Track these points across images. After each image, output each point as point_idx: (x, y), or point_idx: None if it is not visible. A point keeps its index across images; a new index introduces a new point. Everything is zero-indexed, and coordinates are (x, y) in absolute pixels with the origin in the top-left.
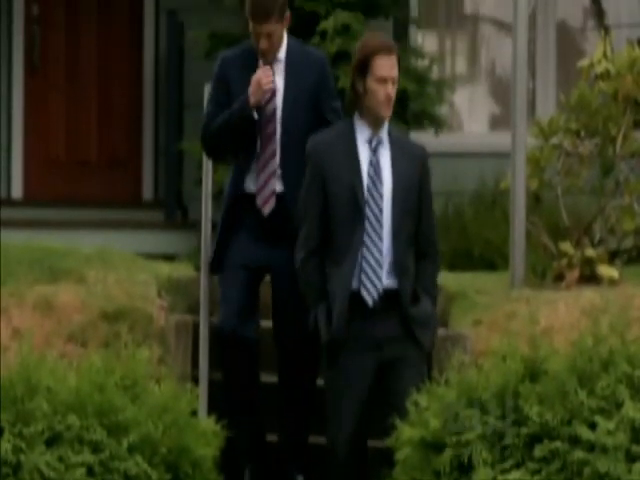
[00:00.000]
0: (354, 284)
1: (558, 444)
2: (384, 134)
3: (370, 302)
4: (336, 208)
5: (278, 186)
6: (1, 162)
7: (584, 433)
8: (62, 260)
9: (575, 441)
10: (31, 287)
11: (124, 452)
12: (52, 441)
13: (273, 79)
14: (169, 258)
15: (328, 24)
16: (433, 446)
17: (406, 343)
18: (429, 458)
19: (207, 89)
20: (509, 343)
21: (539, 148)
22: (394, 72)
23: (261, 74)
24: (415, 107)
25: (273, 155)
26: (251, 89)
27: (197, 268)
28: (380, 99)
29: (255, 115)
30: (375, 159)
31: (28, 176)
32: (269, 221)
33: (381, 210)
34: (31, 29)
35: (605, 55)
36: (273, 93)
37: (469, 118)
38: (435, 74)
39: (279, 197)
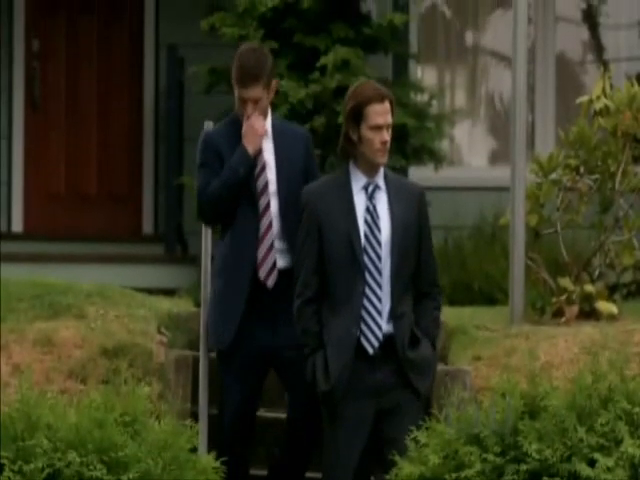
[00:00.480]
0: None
1: None
2: (380, 179)
3: (371, 351)
4: (333, 257)
5: (281, 261)
6: (1, 196)
7: (583, 470)
8: (62, 296)
9: (575, 478)
10: (31, 323)
11: None
12: (52, 478)
13: (263, 125)
14: (169, 292)
15: (328, 59)
16: None
17: (403, 390)
18: None
19: (206, 125)
20: (508, 380)
21: (538, 184)
22: (388, 119)
23: (253, 120)
24: (415, 142)
25: (269, 228)
26: (245, 139)
27: (197, 303)
28: (376, 147)
29: (242, 172)
30: (372, 205)
31: (28, 210)
32: (273, 296)
33: (380, 257)
34: (31, 64)
35: (604, 92)
36: (262, 167)
37: (469, 152)
38: (435, 109)
39: (283, 273)
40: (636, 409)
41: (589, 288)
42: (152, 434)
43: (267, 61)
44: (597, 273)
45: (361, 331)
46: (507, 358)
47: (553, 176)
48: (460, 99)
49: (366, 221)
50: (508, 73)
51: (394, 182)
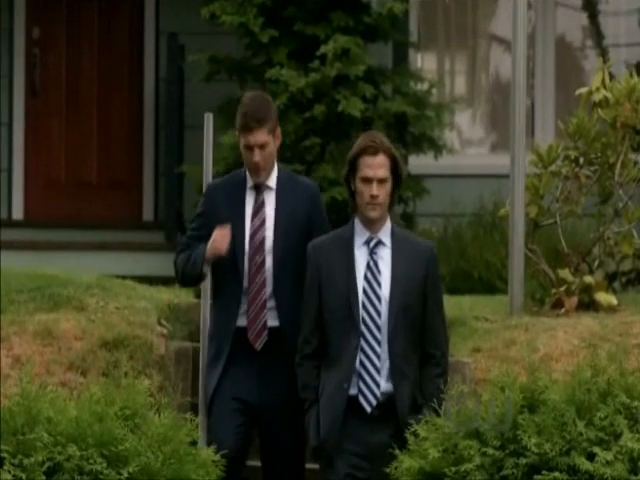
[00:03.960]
0: (352, 390)
1: (557, 475)
2: (385, 234)
3: (368, 409)
4: (330, 312)
5: (271, 320)
6: (2, 183)
7: (583, 464)
8: (62, 288)
9: (574, 472)
10: (32, 315)
11: None
12: (52, 472)
13: (226, 245)
14: (169, 280)
15: (328, 48)
16: (432, 476)
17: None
18: None
19: (207, 117)
20: (508, 373)
21: (538, 176)
22: (380, 173)
23: (219, 233)
24: (414, 130)
25: (263, 286)
26: (211, 244)
27: (197, 293)
28: (365, 200)
29: (206, 271)
30: (373, 261)
31: (29, 197)
32: (261, 356)
33: (379, 313)
34: (32, 51)
35: (603, 83)
36: (262, 222)
37: (468, 140)
38: (435, 97)
39: (273, 332)
40: (635, 403)
41: (588, 279)
42: (152, 428)
43: (271, 106)
44: (597, 263)
45: (359, 389)
46: (506, 350)
47: (552, 167)
48: (460, 87)
49: (366, 277)
50: (508, 60)
51: (401, 239)
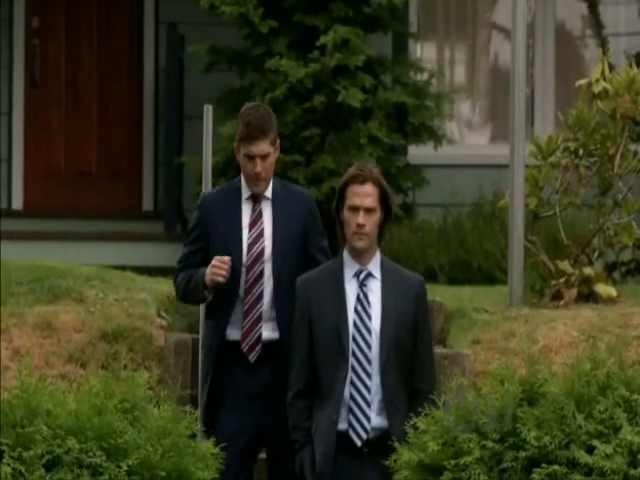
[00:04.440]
0: (342, 425)
1: (556, 468)
2: (374, 267)
3: (358, 443)
4: (320, 347)
5: (270, 332)
6: (1, 173)
7: (582, 457)
8: (62, 280)
9: (573, 465)
10: (31, 307)
11: (123, 475)
12: (51, 465)
13: (225, 274)
14: (169, 271)
15: (327, 39)
16: (431, 469)
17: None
18: None
19: (206, 108)
20: (507, 366)
21: (537, 167)
22: (367, 202)
23: (218, 261)
24: (414, 120)
25: (260, 298)
26: (208, 269)
27: None
28: (352, 229)
29: (208, 296)
30: (363, 293)
31: (28, 187)
32: (259, 372)
33: (370, 346)
34: (31, 42)
35: (603, 75)
36: (260, 232)
37: (468, 130)
38: (434, 87)
39: (272, 344)
40: (635, 396)
41: (588, 271)
42: (151, 421)
43: (272, 117)
44: (596, 254)
45: (349, 423)
46: (506, 342)
47: (552, 159)
48: (460, 77)
49: (356, 309)
50: (508, 49)
51: (391, 272)
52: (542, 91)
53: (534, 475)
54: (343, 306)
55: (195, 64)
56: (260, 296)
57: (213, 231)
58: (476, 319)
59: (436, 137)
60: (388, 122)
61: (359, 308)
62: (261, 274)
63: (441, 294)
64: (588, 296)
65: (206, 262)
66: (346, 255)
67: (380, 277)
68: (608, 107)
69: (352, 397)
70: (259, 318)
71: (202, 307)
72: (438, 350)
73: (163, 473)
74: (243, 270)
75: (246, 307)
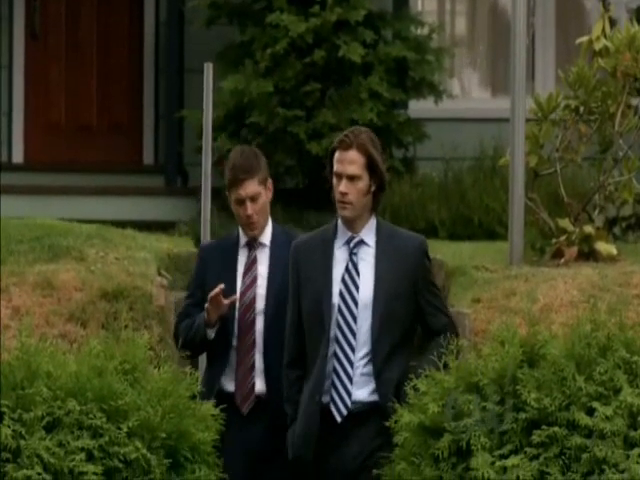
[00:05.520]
0: (325, 398)
1: (556, 430)
2: (368, 234)
3: (338, 419)
4: (306, 318)
5: (259, 384)
6: (2, 127)
7: (582, 419)
8: (62, 238)
9: (573, 427)
10: (31, 266)
11: (124, 437)
12: (52, 426)
13: (220, 300)
14: (169, 225)
15: None
16: (432, 431)
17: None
18: (428, 443)
19: (207, 66)
20: (507, 327)
21: (538, 124)
22: (349, 169)
23: (211, 292)
24: (415, 75)
25: (252, 346)
26: (207, 305)
27: (197, 239)
28: (336, 196)
29: (211, 335)
30: (352, 263)
31: (29, 141)
32: (254, 426)
33: (355, 318)
34: None
35: (604, 32)
36: (254, 279)
37: (468, 83)
38: (435, 42)
39: (262, 400)
40: (635, 358)
41: (588, 229)
42: (152, 382)
43: (260, 157)
44: (597, 212)
45: (331, 397)
46: (506, 300)
47: (552, 116)
48: (461, 30)
49: (343, 279)
50: (509, 2)
51: (387, 237)
52: (543, 48)
53: (534, 437)
54: (329, 275)
55: (196, 18)
56: (252, 345)
57: (210, 280)
58: (476, 277)
59: (437, 91)
60: (389, 77)
61: (346, 278)
62: (252, 323)
63: (442, 251)
64: (588, 254)
65: None
66: (340, 222)
67: (374, 244)
68: (609, 65)
69: (335, 370)
70: (252, 368)
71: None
72: None
73: (163, 434)
74: (236, 317)
75: (239, 357)
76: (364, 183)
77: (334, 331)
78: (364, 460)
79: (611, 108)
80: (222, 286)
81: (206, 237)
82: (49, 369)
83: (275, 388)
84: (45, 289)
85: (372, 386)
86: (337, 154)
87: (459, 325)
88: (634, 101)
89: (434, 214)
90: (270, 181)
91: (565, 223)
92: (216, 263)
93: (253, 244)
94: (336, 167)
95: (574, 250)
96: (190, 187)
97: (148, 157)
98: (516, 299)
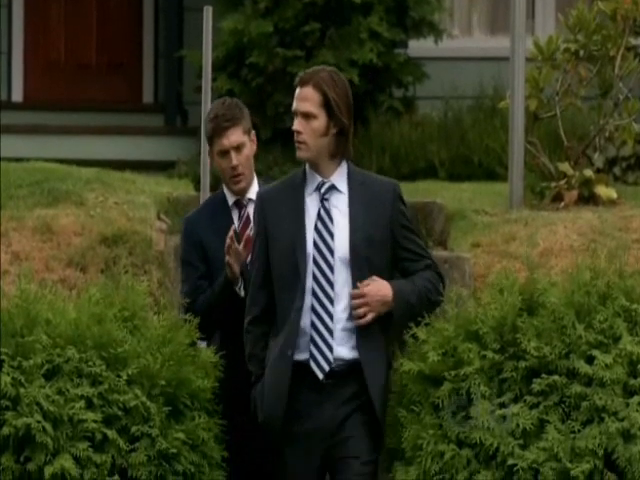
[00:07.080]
0: (302, 355)
1: (556, 378)
2: (339, 180)
3: (320, 376)
4: (276, 269)
5: None
6: (1, 66)
7: (582, 367)
8: (62, 182)
9: (573, 375)
10: (31, 211)
11: (123, 385)
12: (51, 374)
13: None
14: (169, 165)
15: None
16: (431, 380)
17: (360, 430)
18: (427, 392)
19: (206, 10)
20: (507, 275)
21: (538, 68)
22: (302, 106)
23: (229, 240)
24: (414, 15)
25: None
26: (227, 259)
27: (197, 181)
28: (295, 136)
29: (242, 293)
30: (325, 209)
31: (28, 80)
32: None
33: (332, 268)
34: None
35: None
36: (248, 240)
37: (468, 22)
38: None
39: None
40: (634, 306)
41: (588, 173)
42: (151, 329)
43: (242, 107)
44: (597, 155)
45: (311, 353)
46: (506, 245)
47: (552, 60)
48: None
49: (317, 227)
50: None
51: (358, 181)
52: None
53: (534, 385)
54: (302, 224)
55: None
56: None
57: (207, 248)
58: (476, 221)
59: (436, 31)
60: (388, 16)
61: (320, 226)
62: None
63: (441, 194)
64: (588, 198)
65: None
66: (307, 167)
67: (347, 190)
68: (609, 8)
69: (313, 324)
70: None
71: (203, 197)
72: (439, 253)
73: (163, 382)
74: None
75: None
76: (319, 123)
77: (310, 283)
78: (341, 422)
79: (611, 51)
80: (232, 232)
81: (205, 178)
82: (48, 317)
83: None
84: (44, 234)
85: (353, 342)
86: (297, 91)
87: (459, 269)
88: (634, 42)
89: (434, 154)
90: (254, 133)
91: (565, 167)
92: (207, 231)
93: (242, 201)
94: (294, 104)
95: (574, 194)
96: (190, 126)
97: (148, 96)
98: (516, 244)
